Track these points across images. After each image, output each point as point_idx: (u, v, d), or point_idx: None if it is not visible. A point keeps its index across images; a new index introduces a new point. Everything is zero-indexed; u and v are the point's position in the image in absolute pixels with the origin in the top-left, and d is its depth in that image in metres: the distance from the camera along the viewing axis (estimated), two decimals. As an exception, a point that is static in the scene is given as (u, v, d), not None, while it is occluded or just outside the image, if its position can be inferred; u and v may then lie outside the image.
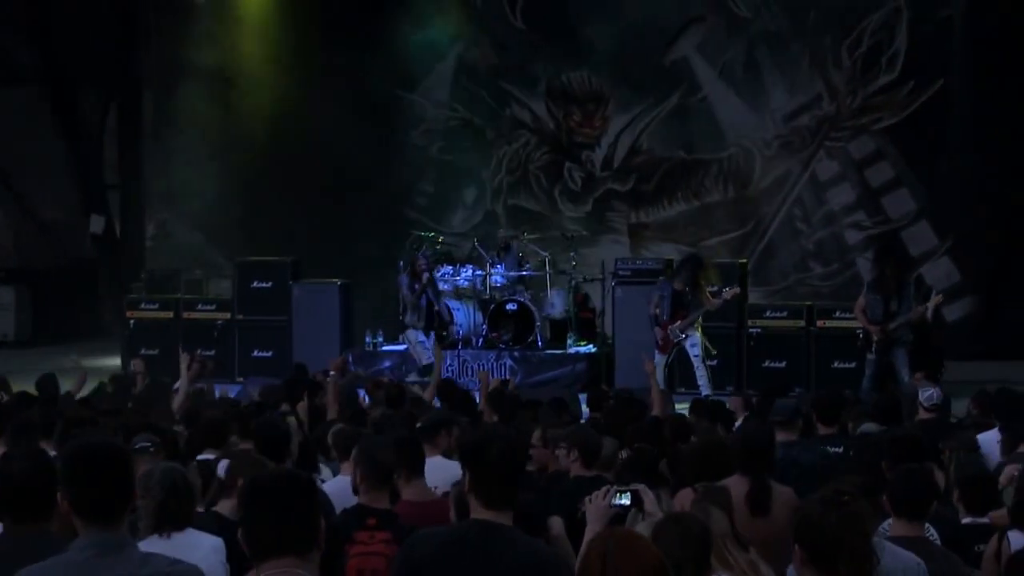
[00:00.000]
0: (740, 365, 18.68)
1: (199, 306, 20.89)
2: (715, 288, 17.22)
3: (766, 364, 18.59)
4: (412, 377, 17.80)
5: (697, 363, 16.89)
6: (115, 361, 20.67)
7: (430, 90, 24.97)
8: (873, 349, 15.89)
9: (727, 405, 12.32)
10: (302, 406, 11.41)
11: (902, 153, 22.77)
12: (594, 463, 8.29)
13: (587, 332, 20.14)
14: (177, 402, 12.60)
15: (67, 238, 26.68)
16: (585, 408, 12.94)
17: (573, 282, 20.21)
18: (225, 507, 6.98)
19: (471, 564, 4.86)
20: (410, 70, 24.69)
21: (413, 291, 17.83)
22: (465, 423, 9.82)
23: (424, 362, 17.87)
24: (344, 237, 23.66)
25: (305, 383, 12.98)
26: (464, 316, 19.50)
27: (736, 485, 7.25)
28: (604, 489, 5.54)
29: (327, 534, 4.36)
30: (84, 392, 13.92)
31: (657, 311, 17.00)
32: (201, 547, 6.01)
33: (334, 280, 20.51)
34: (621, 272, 19.48)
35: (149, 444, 8.17)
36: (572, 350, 19.62)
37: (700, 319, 16.96)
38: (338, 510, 7.26)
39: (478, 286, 19.79)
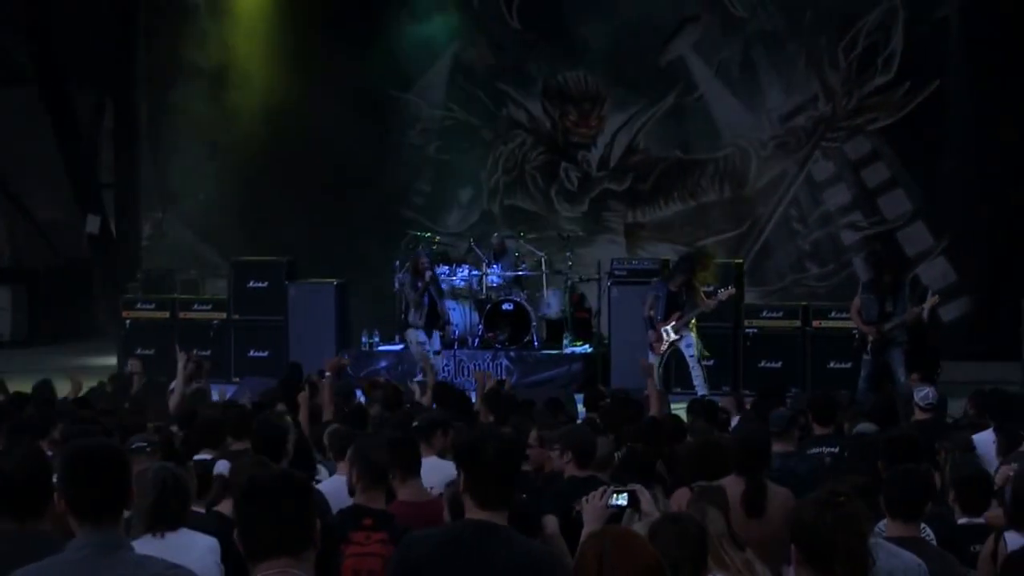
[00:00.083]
0: (736, 365, 18.68)
1: (195, 306, 20.89)
2: (711, 288, 17.22)
3: (762, 364, 18.60)
4: (419, 377, 17.80)
5: (693, 363, 16.89)
6: (111, 361, 20.66)
7: (426, 90, 24.97)
8: (868, 350, 15.89)
9: (719, 405, 12.34)
10: (303, 397, 11.40)
11: (898, 154, 22.78)
12: (588, 463, 8.28)
13: (583, 332, 20.14)
14: (173, 402, 12.59)
15: (63, 238, 26.67)
16: (582, 408, 12.94)
17: (569, 282, 20.22)
18: (227, 507, 6.98)
19: (467, 564, 4.85)
20: (406, 70, 24.71)
21: (416, 289, 17.80)
22: (460, 424, 9.82)
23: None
24: (340, 237, 23.66)
25: (300, 381, 12.98)
26: (460, 316, 19.50)
27: (732, 485, 7.25)
28: (601, 490, 5.54)
29: (323, 534, 4.36)
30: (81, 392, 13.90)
31: (651, 312, 17.00)
32: (196, 547, 6.00)
33: (330, 280, 20.51)
34: (617, 272, 19.48)
35: (145, 444, 8.17)
36: (568, 350, 19.63)
37: (695, 320, 16.97)
38: (334, 510, 7.25)
39: (474, 286, 19.79)
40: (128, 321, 20.82)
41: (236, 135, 24.77)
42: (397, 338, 20.27)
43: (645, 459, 8.49)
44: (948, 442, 9.57)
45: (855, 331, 16.40)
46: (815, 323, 18.51)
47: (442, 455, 8.66)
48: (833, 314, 18.17)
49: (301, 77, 24.28)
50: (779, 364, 18.54)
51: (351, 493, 7.12)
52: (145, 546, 5.50)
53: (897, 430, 9.75)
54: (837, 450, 9.58)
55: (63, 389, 13.86)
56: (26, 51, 25.52)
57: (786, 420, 9.09)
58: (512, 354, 19.28)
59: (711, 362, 17.85)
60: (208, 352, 19.00)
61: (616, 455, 8.63)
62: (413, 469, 7.52)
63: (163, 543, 5.89)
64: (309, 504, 4.33)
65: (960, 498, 7.75)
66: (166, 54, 25.62)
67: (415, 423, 9.28)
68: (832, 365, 18.04)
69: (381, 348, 20.11)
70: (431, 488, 7.73)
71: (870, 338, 15.80)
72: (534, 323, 19.52)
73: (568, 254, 20.44)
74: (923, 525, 6.83)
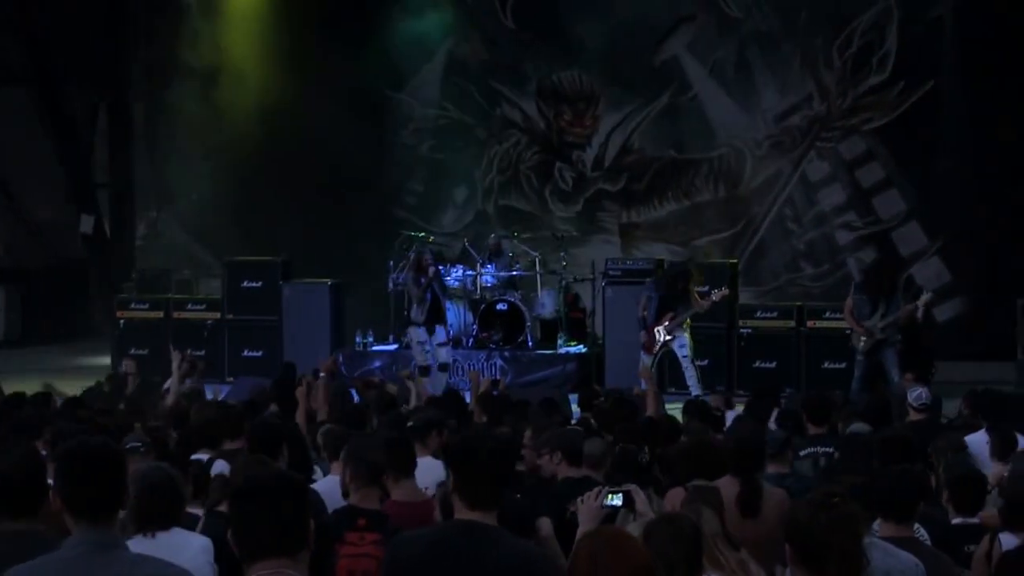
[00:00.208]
0: (731, 365, 18.68)
1: (189, 306, 20.89)
2: (705, 289, 17.22)
3: (756, 364, 18.60)
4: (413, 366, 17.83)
5: (686, 364, 16.89)
6: (105, 361, 20.65)
7: (420, 89, 24.97)
8: (862, 350, 15.90)
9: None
10: (300, 392, 11.39)
11: (892, 154, 22.79)
12: (579, 462, 8.29)
13: (577, 332, 20.15)
14: (169, 401, 12.58)
15: (57, 238, 26.63)
16: (576, 408, 12.93)
17: (563, 282, 20.22)
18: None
19: (458, 565, 4.85)
20: (400, 69, 24.71)
21: (419, 285, 17.79)
22: (452, 424, 9.82)
23: (421, 363, 17.87)
24: (334, 237, 23.64)
25: (294, 381, 12.97)
26: (455, 316, 19.48)
27: (727, 486, 7.26)
28: (596, 490, 5.54)
29: (317, 534, 4.36)
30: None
31: (644, 313, 17.01)
32: (189, 547, 5.99)
33: (324, 280, 20.50)
34: (612, 272, 19.48)
35: (139, 444, 8.16)
36: (562, 350, 19.62)
37: (689, 320, 16.97)
38: (329, 510, 7.25)
39: (468, 286, 19.78)
40: (122, 321, 20.81)
41: (230, 135, 24.75)
42: (391, 338, 20.27)
43: (635, 459, 8.51)
44: (940, 442, 9.59)
45: (848, 330, 16.42)
46: (810, 323, 18.50)
47: (437, 455, 8.66)
48: (828, 314, 18.16)
49: (295, 77, 24.27)
50: (773, 364, 18.54)
51: (345, 494, 7.12)
52: (138, 546, 5.50)
53: (891, 430, 9.76)
54: (831, 450, 9.58)
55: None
56: (21, 52, 25.48)
57: (780, 442, 9.09)
58: (506, 354, 19.28)
59: (705, 362, 17.87)
60: (202, 352, 18.98)
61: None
62: (407, 469, 7.52)
63: (156, 543, 5.88)
64: (304, 504, 4.33)
65: (954, 498, 7.76)
66: (160, 55, 25.61)
67: (410, 423, 9.28)
68: (826, 365, 18.04)
69: (375, 348, 20.10)
70: (426, 488, 7.73)
71: (863, 338, 15.81)
72: (528, 323, 19.52)
73: (563, 254, 20.43)
74: (917, 525, 6.84)
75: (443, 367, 17.87)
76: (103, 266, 25.53)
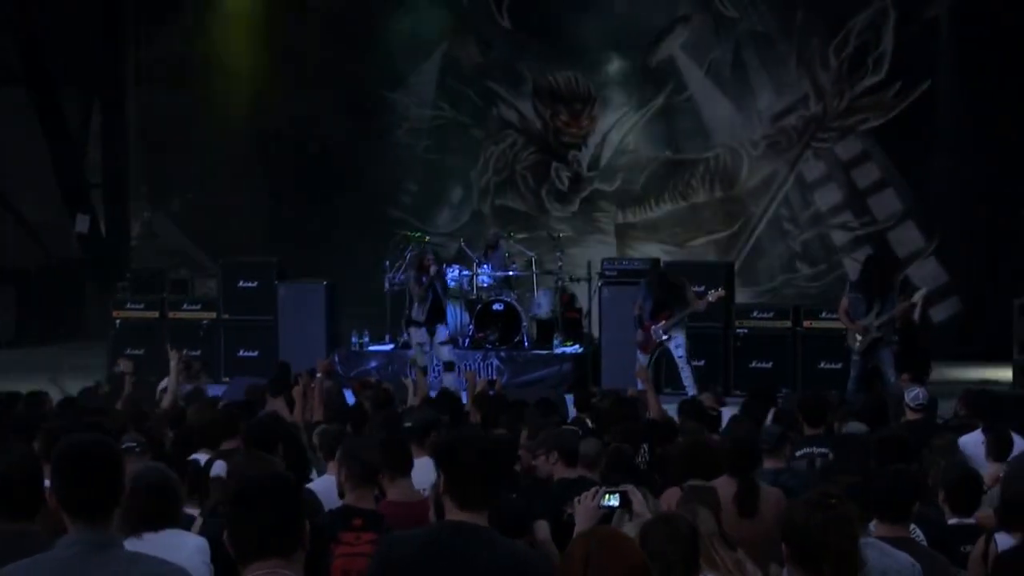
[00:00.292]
0: (727, 366, 18.66)
1: (184, 306, 20.84)
2: (701, 289, 17.23)
3: (752, 365, 18.58)
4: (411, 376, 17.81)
5: (682, 364, 16.89)
6: (100, 361, 20.61)
7: (416, 89, 24.95)
8: (858, 349, 15.90)
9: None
10: (297, 391, 11.37)
11: (888, 154, 22.80)
12: (575, 462, 8.28)
13: (573, 332, 20.13)
14: (167, 401, 12.57)
15: (52, 238, 26.60)
16: (573, 409, 12.92)
17: (559, 282, 20.21)
18: None
19: (449, 566, 4.84)
20: (396, 69, 24.69)
21: (421, 284, 17.77)
22: (445, 421, 9.82)
23: (420, 364, 17.87)
24: (330, 237, 23.64)
25: (289, 381, 12.95)
26: (451, 316, 19.47)
27: (724, 486, 7.25)
28: (593, 490, 5.53)
29: (312, 534, 4.35)
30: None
31: (639, 311, 17.01)
32: (185, 547, 5.98)
33: (320, 280, 20.48)
34: (608, 272, 19.47)
35: (135, 444, 8.15)
36: (558, 350, 19.61)
37: (687, 319, 16.98)
38: (325, 510, 7.24)
39: (464, 286, 19.77)
40: (118, 321, 20.77)
41: (225, 135, 24.74)
42: (387, 337, 20.26)
43: (628, 459, 8.51)
44: (936, 442, 9.60)
45: (844, 330, 16.41)
46: (806, 323, 18.49)
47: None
48: (824, 314, 18.14)
49: (290, 76, 24.28)
50: (770, 364, 18.53)
51: (341, 494, 7.11)
52: (133, 546, 5.49)
53: (888, 430, 9.76)
54: (827, 450, 9.57)
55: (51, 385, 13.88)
56: (15, 52, 25.45)
57: (776, 437, 9.09)
58: (503, 354, 19.27)
59: (701, 362, 17.87)
60: (198, 352, 18.97)
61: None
62: (403, 469, 7.51)
63: (151, 543, 5.87)
64: (299, 505, 4.33)
65: (950, 499, 7.76)
66: (154, 54, 25.58)
67: (409, 424, 9.26)
68: (823, 365, 18.04)
69: (371, 348, 20.08)
70: (423, 489, 7.72)
71: (858, 337, 15.81)
72: (524, 323, 19.52)
73: (559, 254, 20.42)
74: (913, 526, 6.84)
75: (449, 366, 17.85)
76: (98, 266, 25.49)
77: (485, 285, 19.92)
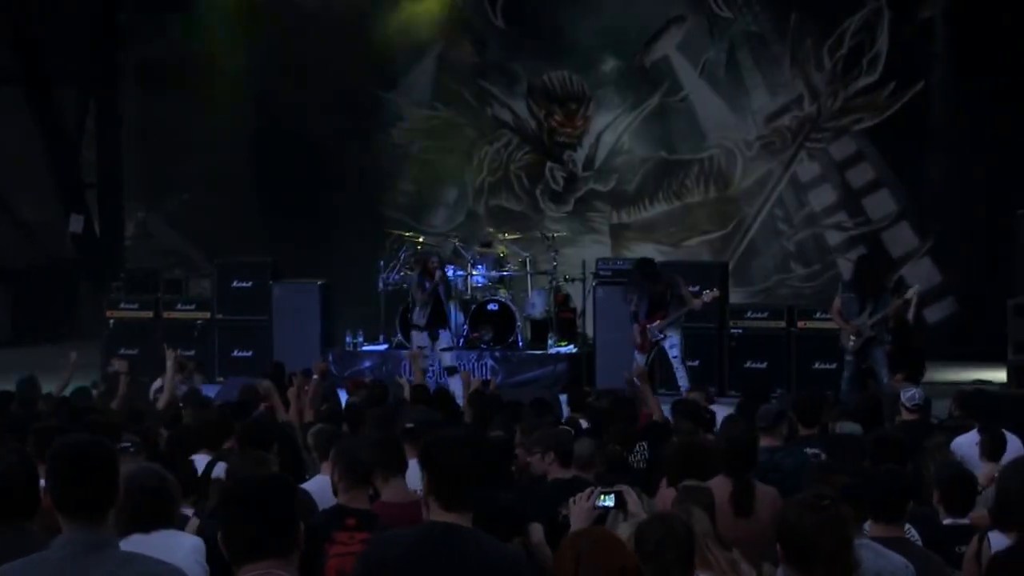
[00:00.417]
0: (721, 366, 18.67)
1: (179, 306, 20.84)
2: (696, 289, 17.23)
3: (747, 365, 18.59)
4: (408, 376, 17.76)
5: (677, 364, 16.89)
6: (94, 360, 20.57)
7: (411, 89, 24.94)
8: (851, 349, 15.90)
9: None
10: (292, 394, 11.36)
11: (883, 154, 22.80)
12: (570, 463, 8.29)
13: (568, 332, 20.13)
14: (163, 401, 12.57)
15: (46, 238, 26.57)
16: (566, 409, 12.92)
17: (554, 282, 20.21)
18: None
19: (438, 566, 4.83)
20: (391, 69, 24.68)
21: (423, 289, 17.72)
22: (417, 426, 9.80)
23: (420, 367, 17.86)
24: (325, 237, 23.62)
25: (283, 380, 12.94)
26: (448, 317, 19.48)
27: (720, 486, 7.26)
28: (588, 491, 5.54)
29: (306, 534, 4.35)
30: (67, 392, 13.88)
31: (635, 310, 17.00)
32: (180, 547, 5.98)
33: (314, 280, 20.48)
34: (602, 272, 19.48)
35: (129, 444, 8.14)
36: (553, 350, 19.61)
37: (683, 319, 16.99)
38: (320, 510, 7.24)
39: (459, 286, 19.77)
40: (112, 321, 20.77)
41: (220, 135, 24.71)
42: (382, 338, 20.26)
43: (621, 460, 8.52)
44: (931, 442, 9.61)
45: (839, 330, 16.41)
46: (800, 324, 18.50)
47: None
48: (818, 314, 18.13)
49: (285, 76, 24.26)
50: (764, 364, 18.53)
51: (335, 494, 7.11)
52: (128, 545, 5.48)
53: (883, 431, 9.77)
54: (821, 451, 9.57)
55: (49, 384, 13.86)
56: (9, 51, 25.43)
57: (773, 415, 9.10)
58: (497, 354, 19.27)
59: (695, 362, 17.88)
60: (192, 352, 18.96)
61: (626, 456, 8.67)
62: (396, 469, 7.50)
63: (147, 542, 5.86)
64: (293, 505, 4.32)
65: (944, 499, 7.76)
66: (150, 54, 25.56)
67: (410, 425, 9.25)
68: (817, 366, 18.04)
69: (365, 348, 20.09)
70: (417, 490, 7.71)
71: (852, 337, 15.81)
72: (519, 323, 19.52)
73: (553, 254, 20.42)
74: (908, 526, 6.84)
75: (451, 371, 17.83)
76: (92, 266, 25.46)
77: (480, 285, 19.94)
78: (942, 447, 9.64)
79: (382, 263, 20.45)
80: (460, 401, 12.98)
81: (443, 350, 17.97)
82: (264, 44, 24.57)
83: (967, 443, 9.94)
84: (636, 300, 17.01)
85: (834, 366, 17.13)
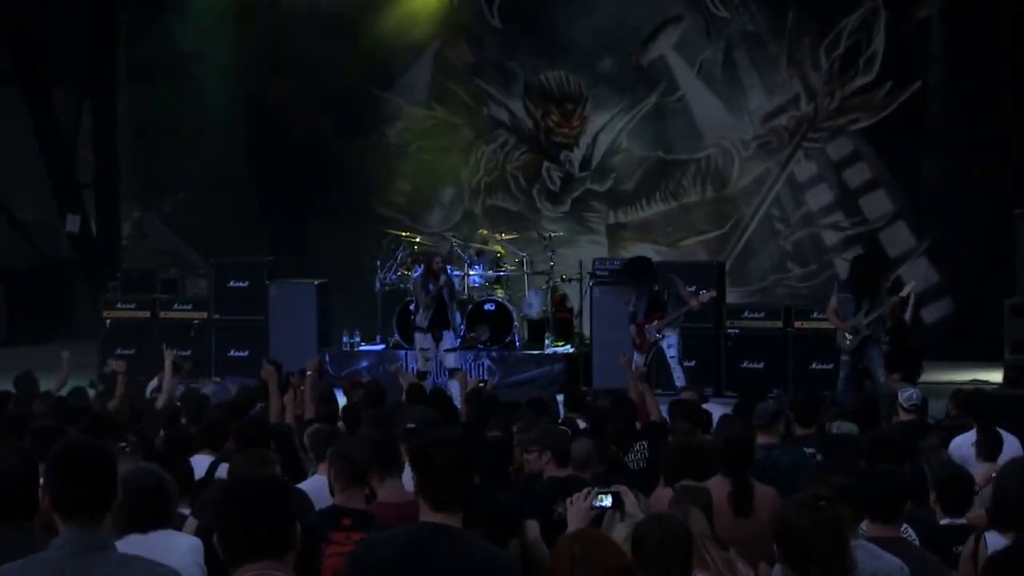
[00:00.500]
0: (718, 366, 18.67)
1: (175, 305, 20.84)
2: (692, 289, 17.24)
3: (744, 365, 18.59)
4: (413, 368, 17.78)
5: (674, 364, 16.90)
6: (91, 360, 20.57)
7: (408, 88, 24.93)
8: (847, 349, 15.90)
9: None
10: (288, 399, 11.35)
11: (879, 154, 22.80)
12: (566, 462, 8.28)
13: (564, 332, 20.13)
14: (161, 401, 12.56)
15: (43, 237, 26.56)
16: (561, 408, 12.91)
17: (551, 282, 20.21)
18: None
19: (428, 567, 4.82)
20: (387, 68, 24.66)
21: (428, 292, 17.69)
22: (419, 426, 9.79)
23: (421, 368, 17.87)
24: (321, 236, 23.62)
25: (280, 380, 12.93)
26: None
27: (718, 486, 7.26)
28: (585, 491, 5.53)
29: (303, 534, 4.34)
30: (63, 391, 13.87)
31: (633, 310, 17.00)
32: (178, 547, 5.97)
33: (311, 280, 20.47)
34: (599, 272, 19.48)
35: (125, 444, 8.14)
36: (550, 350, 19.62)
37: (681, 319, 16.99)
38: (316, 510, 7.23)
39: (456, 286, 19.75)
40: (108, 320, 20.77)
41: (216, 134, 24.71)
42: (378, 338, 20.26)
43: (617, 461, 8.50)
44: (928, 442, 9.61)
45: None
46: (797, 323, 18.51)
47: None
48: (815, 314, 18.13)
49: (281, 75, 24.24)
50: (761, 364, 18.53)
51: (332, 494, 7.10)
52: (125, 546, 5.48)
53: (880, 431, 9.77)
54: (817, 451, 9.57)
55: (46, 383, 13.86)
56: (5, 51, 25.41)
57: (770, 413, 9.11)
58: (494, 354, 19.28)
59: (692, 363, 17.88)
60: (188, 352, 18.94)
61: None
62: (392, 469, 7.49)
63: (144, 543, 5.85)
64: (288, 506, 4.31)
65: (942, 499, 7.76)
66: (145, 53, 25.54)
67: (411, 425, 9.25)
68: (814, 366, 18.04)
69: (362, 348, 20.09)
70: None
71: (848, 337, 15.81)
72: (516, 323, 19.52)
73: (550, 254, 20.42)
74: (905, 526, 6.84)
75: (453, 372, 17.80)
76: (89, 265, 25.44)
77: (476, 285, 19.96)
78: (936, 448, 9.65)
79: (379, 263, 20.46)
80: (458, 401, 12.98)
81: (447, 351, 17.96)
82: (260, 44, 24.57)
83: (966, 443, 9.94)
84: (635, 300, 17.03)
85: (831, 366, 17.14)
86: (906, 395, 11.12)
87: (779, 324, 18.62)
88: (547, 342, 19.78)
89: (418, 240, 21.26)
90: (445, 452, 4.97)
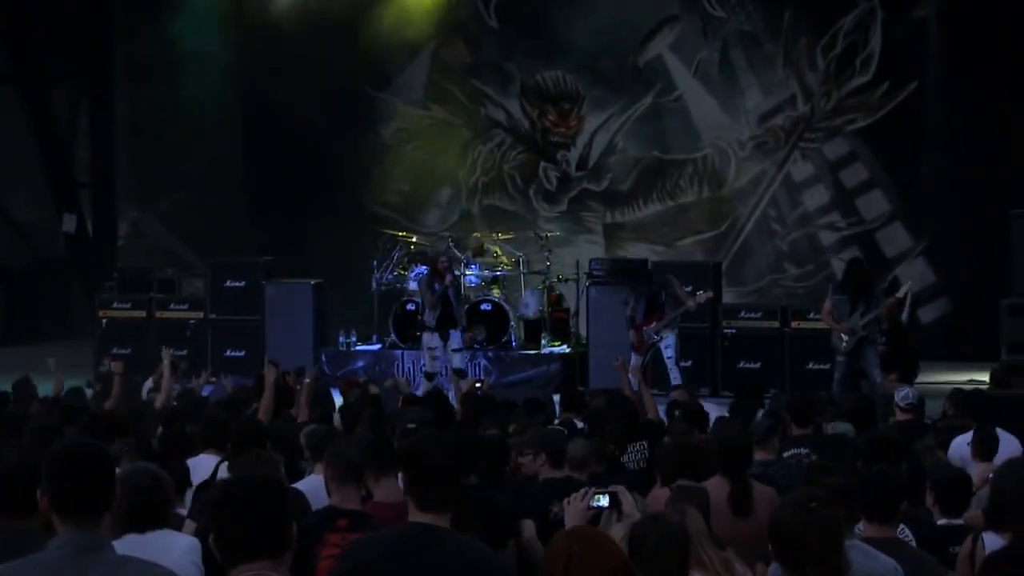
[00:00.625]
0: (715, 366, 18.69)
1: (172, 305, 20.84)
2: (689, 289, 17.25)
3: (741, 365, 18.61)
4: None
5: (671, 364, 16.91)
6: (87, 360, 20.56)
7: (404, 88, 24.92)
8: (843, 349, 15.90)
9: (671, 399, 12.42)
10: (297, 402, 11.35)
11: (876, 154, 22.81)
12: (562, 463, 8.28)
13: (561, 332, 20.14)
14: (159, 401, 12.55)
15: (39, 237, 26.55)
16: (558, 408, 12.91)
17: (547, 282, 20.21)
18: None
19: (417, 567, 4.82)
20: (384, 68, 24.66)
21: (433, 291, 17.69)
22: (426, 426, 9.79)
23: (428, 369, 17.87)
24: (317, 236, 23.60)
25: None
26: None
27: (717, 486, 7.25)
28: (583, 491, 5.53)
29: (299, 534, 4.33)
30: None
31: (632, 313, 17.01)
32: (176, 547, 5.96)
33: (307, 280, 20.47)
34: (595, 272, 19.48)
35: (123, 444, 8.13)
36: (546, 350, 19.63)
37: (678, 319, 17.00)
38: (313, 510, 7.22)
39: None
40: (104, 320, 20.76)
41: (213, 134, 24.71)
42: (375, 338, 20.26)
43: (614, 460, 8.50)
44: (925, 442, 9.61)
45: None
46: (794, 324, 18.52)
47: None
48: (812, 315, 18.13)
49: (278, 75, 24.24)
50: (758, 365, 18.55)
51: (329, 494, 7.10)
52: (123, 546, 5.47)
53: (876, 431, 9.76)
54: (811, 451, 9.57)
55: (42, 383, 13.84)
56: (2, 50, 25.39)
57: (765, 429, 9.08)
58: (490, 354, 19.28)
59: (689, 363, 17.88)
60: (184, 352, 18.94)
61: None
62: (388, 469, 7.48)
63: (142, 543, 5.85)
64: (285, 506, 4.31)
65: (939, 499, 7.75)
66: (143, 52, 25.53)
67: (411, 425, 9.23)
68: (811, 366, 18.06)
69: (358, 348, 20.09)
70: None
71: (844, 337, 15.81)
72: (512, 323, 19.52)
73: (547, 254, 20.42)
74: (902, 526, 6.83)
75: (460, 373, 17.79)
76: (85, 265, 25.45)
77: (473, 285, 19.96)
78: (932, 448, 9.65)
79: (375, 263, 20.45)
80: (454, 402, 12.98)
81: (453, 351, 17.96)
82: (258, 44, 24.56)
83: (966, 443, 9.94)
84: (632, 303, 17.03)
85: (828, 366, 17.15)
86: (902, 394, 11.12)
87: (776, 324, 18.64)
88: (543, 342, 19.78)
89: (414, 240, 21.26)
90: (433, 452, 4.97)
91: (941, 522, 7.64)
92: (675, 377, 16.71)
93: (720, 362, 18.71)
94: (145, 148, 26.09)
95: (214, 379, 18.42)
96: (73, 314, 25.77)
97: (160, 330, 20.00)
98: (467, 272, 19.86)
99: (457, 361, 17.93)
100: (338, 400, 13.22)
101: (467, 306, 19.49)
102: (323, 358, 19.79)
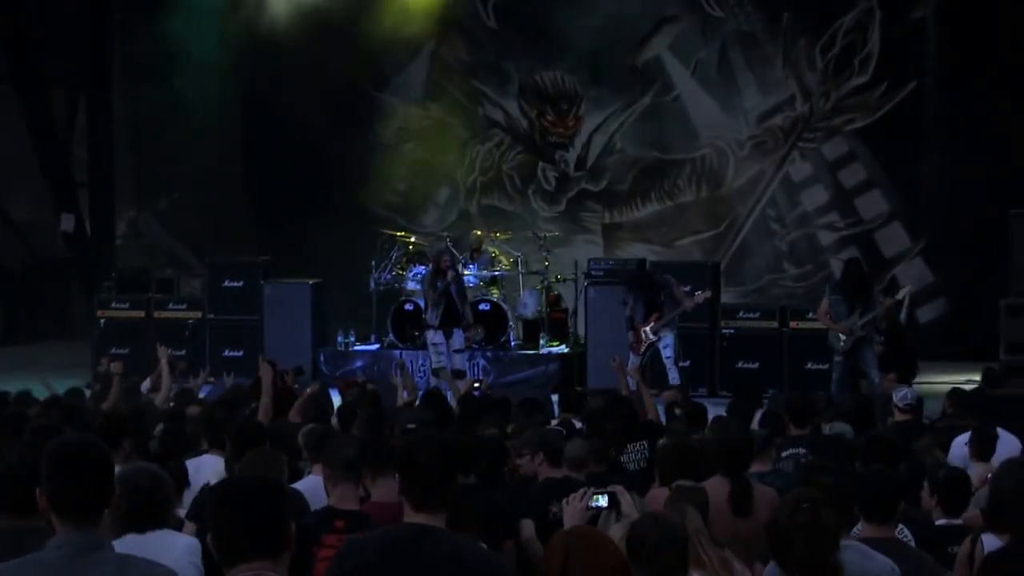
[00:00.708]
0: (713, 366, 18.69)
1: (170, 305, 20.83)
2: (687, 289, 17.26)
3: (739, 365, 18.61)
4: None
5: (669, 364, 16.92)
6: (85, 360, 20.55)
7: (403, 88, 24.91)
8: (841, 349, 15.90)
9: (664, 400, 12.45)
10: (297, 404, 11.33)
11: (875, 154, 22.82)
12: (560, 462, 8.28)
13: (559, 332, 20.14)
14: (159, 401, 12.54)
15: (37, 237, 26.54)
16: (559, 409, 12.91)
17: (545, 282, 20.21)
18: None
19: (410, 567, 4.82)
20: (383, 68, 24.65)
21: (435, 289, 17.69)
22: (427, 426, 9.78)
23: (435, 365, 17.86)
24: (316, 236, 23.59)
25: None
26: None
27: (717, 486, 7.25)
28: (581, 491, 5.53)
29: (297, 534, 4.33)
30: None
31: (631, 313, 17.02)
32: (175, 547, 5.96)
33: (306, 280, 20.46)
34: (594, 272, 19.48)
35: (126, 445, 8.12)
36: (544, 350, 19.62)
37: (677, 320, 17.00)
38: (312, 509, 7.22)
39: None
40: (103, 320, 20.74)
41: (211, 134, 24.70)
42: (373, 337, 20.25)
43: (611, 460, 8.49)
44: (924, 442, 9.60)
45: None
46: (792, 324, 18.52)
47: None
48: (810, 315, 18.12)
49: (277, 74, 24.22)
50: (756, 365, 18.55)
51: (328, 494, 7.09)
52: (123, 546, 5.47)
53: (875, 431, 9.76)
54: (808, 452, 9.56)
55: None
56: (1, 50, 25.38)
57: (763, 440, 9.08)
58: (489, 354, 19.28)
59: (687, 363, 17.88)
60: (183, 352, 18.93)
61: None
62: (385, 469, 7.47)
63: (142, 543, 5.84)
64: (283, 506, 4.30)
65: (939, 499, 7.75)
66: (141, 52, 25.52)
67: (411, 425, 9.23)
68: (809, 366, 18.06)
69: (357, 348, 20.08)
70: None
71: (842, 338, 15.81)
72: (510, 323, 19.52)
73: (545, 254, 20.42)
74: (901, 526, 6.83)
75: (460, 374, 17.77)
76: (83, 265, 25.43)
77: (471, 285, 19.94)
78: (931, 448, 9.65)
79: (374, 263, 20.44)
80: (452, 402, 12.97)
81: (455, 351, 17.95)
82: (256, 43, 24.52)
83: (965, 443, 9.94)
84: (631, 303, 17.03)
85: (826, 366, 17.15)
86: (901, 395, 11.13)
87: (774, 324, 18.64)
88: (542, 342, 19.78)
89: (413, 240, 21.25)
90: (427, 452, 4.96)
91: (940, 522, 7.64)
92: (673, 377, 16.72)
93: (718, 362, 18.72)
94: (144, 148, 26.09)
95: (212, 379, 18.45)
96: (71, 314, 25.78)
97: (158, 330, 19.98)
98: (466, 272, 19.85)
99: (458, 361, 17.93)
100: (337, 400, 13.20)
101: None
102: (321, 358, 19.80)
